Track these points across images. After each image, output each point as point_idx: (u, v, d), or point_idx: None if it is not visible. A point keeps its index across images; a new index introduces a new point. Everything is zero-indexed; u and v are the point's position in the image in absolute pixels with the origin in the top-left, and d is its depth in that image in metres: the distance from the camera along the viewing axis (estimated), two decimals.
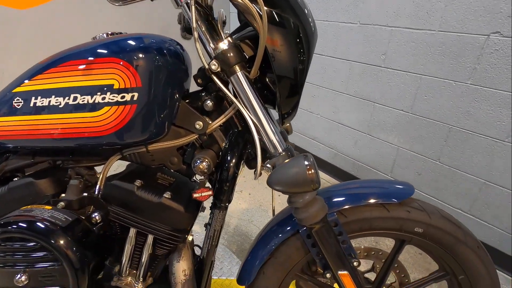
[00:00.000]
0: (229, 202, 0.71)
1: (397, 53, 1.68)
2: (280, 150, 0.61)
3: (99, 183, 0.69)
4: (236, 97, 0.61)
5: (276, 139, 0.62)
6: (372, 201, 0.72)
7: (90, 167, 0.74)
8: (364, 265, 1.15)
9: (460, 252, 0.75)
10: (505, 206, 1.47)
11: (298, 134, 2.53)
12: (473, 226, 1.61)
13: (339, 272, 0.69)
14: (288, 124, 0.88)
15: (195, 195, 0.66)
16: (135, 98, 0.59)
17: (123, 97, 0.58)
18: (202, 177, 0.66)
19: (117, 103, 0.58)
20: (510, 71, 1.31)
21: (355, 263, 0.71)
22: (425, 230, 0.74)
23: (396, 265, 0.90)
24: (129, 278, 0.78)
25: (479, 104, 1.43)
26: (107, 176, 0.71)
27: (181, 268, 0.70)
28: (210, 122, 0.68)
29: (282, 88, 0.62)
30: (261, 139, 0.62)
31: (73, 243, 0.55)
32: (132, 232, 0.74)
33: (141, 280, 0.77)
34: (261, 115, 0.61)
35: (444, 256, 0.77)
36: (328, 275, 0.72)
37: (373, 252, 0.91)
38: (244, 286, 0.83)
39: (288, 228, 0.76)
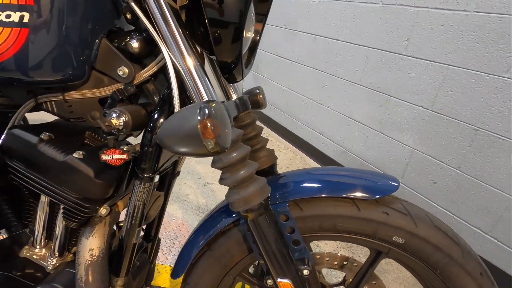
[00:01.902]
0: (155, 173, 0.56)
1: (422, 38, 1.44)
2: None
3: (5, 131, 0.57)
4: (155, 30, 0.47)
5: (204, 89, 0.46)
6: (338, 193, 0.55)
7: (4, 114, 0.63)
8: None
9: (454, 278, 0.55)
10: None
11: (306, 128, 2.33)
12: (493, 252, 1.35)
13: (279, 280, 0.52)
14: (260, 96, 0.72)
15: (104, 157, 0.52)
16: (25, 20, 0.46)
17: (8, 16, 0.45)
18: (113, 136, 0.52)
19: (1, 24, 0.46)
20: None
21: (305, 272, 0.54)
22: (407, 240, 0.55)
23: (374, 282, 0.71)
24: (43, 251, 0.66)
25: None
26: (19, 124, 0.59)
27: (88, 247, 0.57)
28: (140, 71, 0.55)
29: (215, 28, 0.46)
30: (184, 87, 0.47)
31: None
32: (45, 197, 0.62)
33: (56, 255, 0.65)
34: (184, 52, 0.46)
35: (432, 279, 0.58)
36: (269, 282, 0.55)
37: (345, 262, 0.73)
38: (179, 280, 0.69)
39: (229, 215, 0.60)
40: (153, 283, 1.17)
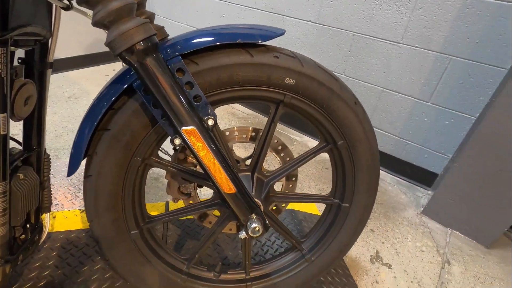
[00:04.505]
0: (3, 30, 0.45)
1: None
2: None
3: None
4: None
5: None
6: (228, 40, 0.55)
7: None
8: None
9: (336, 109, 0.65)
10: (399, 112, 1.52)
11: None
12: None
13: (183, 128, 0.51)
14: None
15: None
16: None
17: None
18: None
19: None
20: None
21: (210, 122, 0.55)
22: (297, 80, 0.61)
23: (280, 148, 0.79)
24: None
25: (380, 5, 1.38)
26: None
27: None
28: None
29: None
30: None
31: None
32: None
33: None
34: None
35: (322, 120, 0.67)
36: (176, 141, 0.54)
37: (254, 133, 0.77)
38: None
39: (122, 82, 0.55)
40: (62, 227, 1.04)
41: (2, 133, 0.50)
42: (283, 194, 0.78)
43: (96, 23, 0.43)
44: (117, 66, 2.58)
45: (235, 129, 0.76)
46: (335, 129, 0.68)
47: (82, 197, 1.19)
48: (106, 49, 2.53)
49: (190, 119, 0.52)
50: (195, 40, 0.54)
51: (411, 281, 1.09)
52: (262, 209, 0.69)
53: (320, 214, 0.99)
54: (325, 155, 1.77)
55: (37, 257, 0.93)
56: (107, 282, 0.90)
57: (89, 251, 0.97)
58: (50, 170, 0.72)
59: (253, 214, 0.63)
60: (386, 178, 1.66)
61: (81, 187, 1.24)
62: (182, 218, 1.15)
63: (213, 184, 0.58)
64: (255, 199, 0.69)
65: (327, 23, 1.57)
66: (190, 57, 0.56)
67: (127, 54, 0.45)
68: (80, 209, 1.13)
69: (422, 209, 1.42)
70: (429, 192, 1.56)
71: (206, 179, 0.68)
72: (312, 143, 1.87)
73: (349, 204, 0.77)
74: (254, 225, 0.62)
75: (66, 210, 1.13)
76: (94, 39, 2.45)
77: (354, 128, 0.68)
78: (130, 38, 0.43)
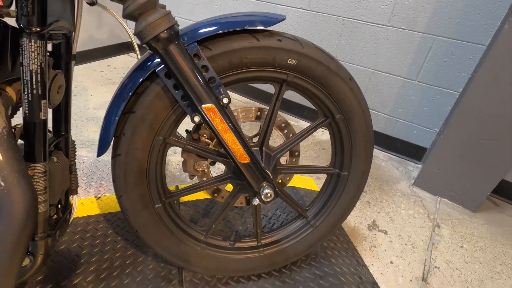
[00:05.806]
0: (43, 25, 0.51)
1: None
2: None
3: None
4: None
5: None
6: (238, 27, 0.62)
7: None
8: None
9: (333, 85, 0.73)
10: (389, 91, 1.61)
11: None
12: None
13: (203, 105, 0.59)
14: None
15: None
16: None
17: None
18: None
19: None
20: None
21: (224, 100, 0.63)
22: (298, 61, 0.68)
23: (283, 125, 0.87)
24: None
25: None
26: None
27: None
28: None
29: None
30: None
31: None
32: None
33: None
34: None
35: (321, 98, 0.75)
36: (196, 118, 0.62)
37: (259, 113, 0.85)
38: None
39: (144, 69, 0.61)
40: (80, 214, 1.11)
41: (43, 118, 0.57)
42: (288, 166, 0.86)
43: (126, 16, 0.50)
44: (111, 62, 2.60)
45: (239, 110, 0.83)
46: (333, 104, 0.76)
47: (95, 185, 1.26)
48: (99, 45, 2.54)
49: (208, 97, 0.59)
50: (208, 28, 0.61)
51: (405, 244, 1.20)
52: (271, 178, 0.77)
53: (319, 190, 1.08)
54: (321, 137, 1.86)
55: (61, 241, 1.00)
56: (130, 258, 0.98)
57: (109, 233, 1.05)
58: (75, 154, 0.79)
59: (265, 182, 0.71)
60: (379, 155, 1.76)
61: (94, 177, 1.30)
62: (193, 199, 1.23)
63: (229, 156, 0.66)
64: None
65: (317, 9, 1.63)
66: (203, 43, 0.62)
67: (153, 42, 0.52)
68: (95, 197, 1.20)
69: (413, 181, 1.53)
70: (419, 165, 1.67)
71: (219, 154, 0.76)
72: None
73: (347, 172, 0.86)
74: (266, 190, 0.70)
75: (82, 198, 1.19)
76: (86, 36, 2.46)
77: (350, 101, 0.76)
78: (157, 28, 0.50)
